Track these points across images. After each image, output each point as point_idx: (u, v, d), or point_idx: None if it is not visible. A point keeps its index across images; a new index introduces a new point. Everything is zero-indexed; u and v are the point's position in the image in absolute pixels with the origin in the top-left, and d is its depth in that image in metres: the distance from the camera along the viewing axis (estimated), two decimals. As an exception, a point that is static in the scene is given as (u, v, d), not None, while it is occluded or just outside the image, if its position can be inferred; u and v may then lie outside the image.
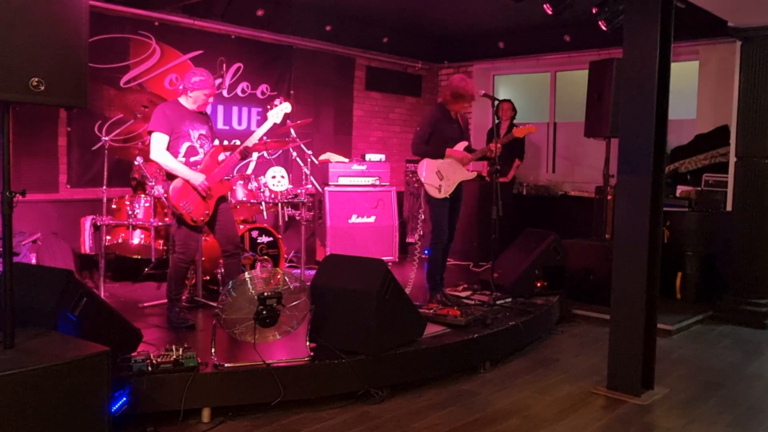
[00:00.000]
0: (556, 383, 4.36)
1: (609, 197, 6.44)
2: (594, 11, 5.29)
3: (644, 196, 4.03)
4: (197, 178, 4.57)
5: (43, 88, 2.66)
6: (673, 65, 4.12)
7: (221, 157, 4.78)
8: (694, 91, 7.54)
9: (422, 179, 5.30)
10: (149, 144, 4.62)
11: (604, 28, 5.36)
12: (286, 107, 4.94)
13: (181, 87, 4.75)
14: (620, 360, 4.16)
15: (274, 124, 4.98)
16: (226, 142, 5.00)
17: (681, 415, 3.86)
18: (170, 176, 4.63)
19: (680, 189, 7.00)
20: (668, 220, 6.42)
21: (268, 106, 5.10)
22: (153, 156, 4.59)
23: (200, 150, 4.70)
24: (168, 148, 4.57)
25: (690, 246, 6.50)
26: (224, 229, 4.76)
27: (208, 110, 7.05)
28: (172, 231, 4.83)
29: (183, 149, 4.63)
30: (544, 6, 5.04)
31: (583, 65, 7.29)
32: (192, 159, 4.66)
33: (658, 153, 4.06)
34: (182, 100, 4.72)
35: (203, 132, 4.74)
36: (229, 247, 4.78)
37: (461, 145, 5.40)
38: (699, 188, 6.92)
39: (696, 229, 6.50)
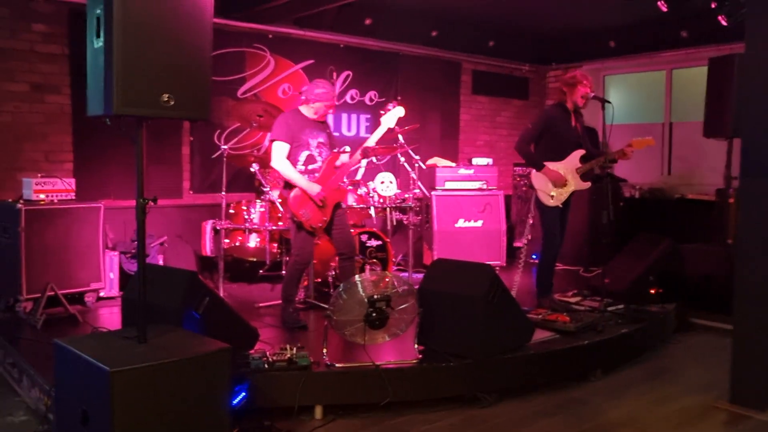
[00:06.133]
0: (672, 395, 4.18)
1: (731, 200, 6.10)
2: (713, 6, 5.05)
3: (771, 198, 3.81)
4: (314, 189, 4.71)
5: (172, 103, 2.86)
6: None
7: (338, 162, 4.90)
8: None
9: (534, 185, 5.23)
10: (269, 152, 4.80)
11: (723, 23, 5.10)
12: (399, 111, 5.00)
13: (303, 97, 4.86)
14: (744, 373, 3.94)
15: (388, 128, 5.02)
16: (335, 149, 5.12)
17: (813, 434, 3.62)
18: (288, 184, 4.79)
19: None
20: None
21: (381, 111, 5.13)
22: (273, 164, 4.75)
23: (318, 158, 4.83)
24: (288, 157, 4.72)
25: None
26: (341, 234, 4.91)
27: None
28: (290, 236, 5.01)
29: (302, 158, 4.78)
30: (658, 3, 4.86)
31: (701, 62, 6.93)
32: (310, 167, 4.81)
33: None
34: (303, 109, 4.86)
35: (321, 140, 4.87)
36: (346, 250, 4.92)
37: (578, 154, 5.24)
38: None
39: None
